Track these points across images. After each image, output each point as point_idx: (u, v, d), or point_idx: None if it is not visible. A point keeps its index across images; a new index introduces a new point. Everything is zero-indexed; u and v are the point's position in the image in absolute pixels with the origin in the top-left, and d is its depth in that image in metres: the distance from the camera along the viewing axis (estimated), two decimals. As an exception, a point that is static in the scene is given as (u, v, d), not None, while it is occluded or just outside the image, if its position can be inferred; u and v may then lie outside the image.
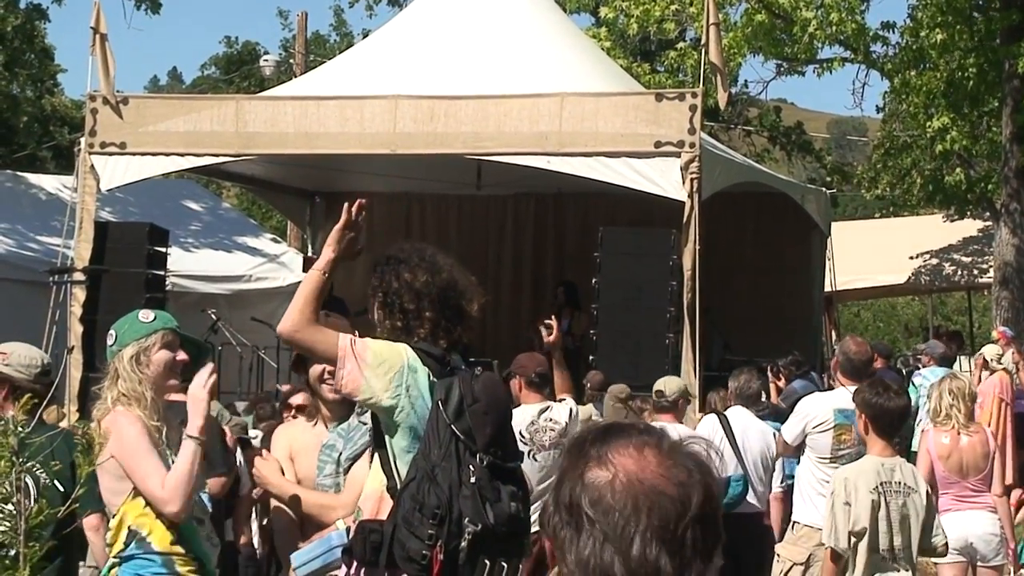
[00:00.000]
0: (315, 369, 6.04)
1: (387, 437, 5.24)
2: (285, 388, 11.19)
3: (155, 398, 5.86)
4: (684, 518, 2.23)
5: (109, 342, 6.00)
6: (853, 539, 7.33)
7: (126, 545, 5.70)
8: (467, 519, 4.92)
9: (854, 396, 7.87)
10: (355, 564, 5.19)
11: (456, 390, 5.10)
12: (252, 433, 11.43)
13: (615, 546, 2.23)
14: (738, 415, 10.78)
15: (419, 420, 5.17)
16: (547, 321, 8.54)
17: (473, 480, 4.96)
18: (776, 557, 9.39)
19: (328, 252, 5.46)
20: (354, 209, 5.47)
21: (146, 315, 6.10)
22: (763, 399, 11.74)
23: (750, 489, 10.52)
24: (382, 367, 5.18)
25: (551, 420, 9.30)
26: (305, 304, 5.29)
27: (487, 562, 4.93)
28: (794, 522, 9.39)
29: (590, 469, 2.30)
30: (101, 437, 5.52)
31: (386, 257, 5.57)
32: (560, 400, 9.41)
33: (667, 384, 10.70)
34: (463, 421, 5.04)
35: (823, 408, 9.22)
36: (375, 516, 5.24)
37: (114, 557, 5.73)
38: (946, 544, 7.64)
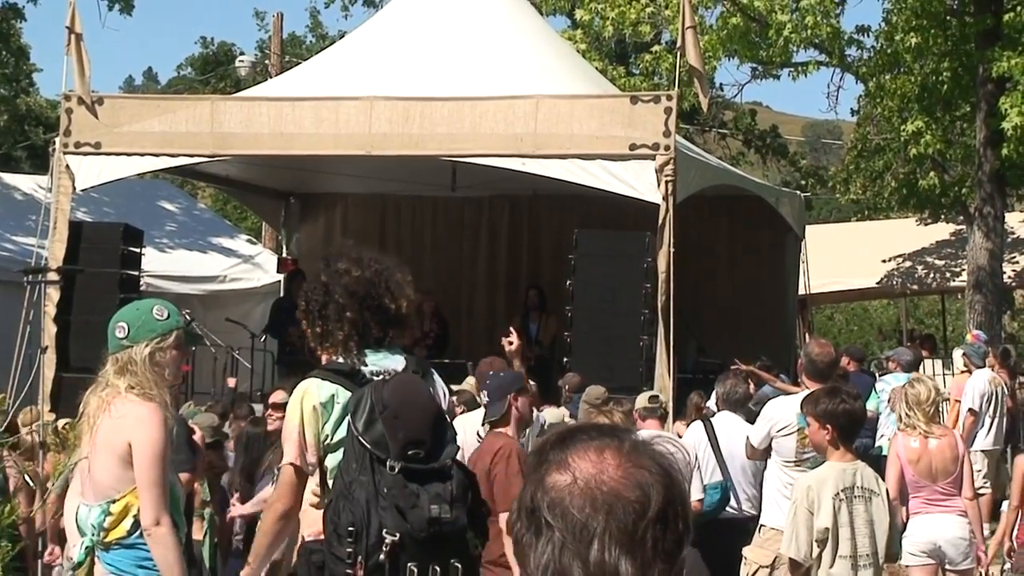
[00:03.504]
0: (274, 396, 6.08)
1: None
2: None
3: (167, 400, 5.83)
4: (643, 519, 2.21)
5: (119, 334, 5.79)
6: (817, 547, 7.32)
7: (129, 533, 5.73)
8: (385, 530, 4.89)
9: (803, 404, 7.86)
10: None
11: (366, 400, 5.07)
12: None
13: (573, 550, 2.20)
14: (725, 421, 10.76)
15: (341, 439, 5.24)
16: (509, 335, 8.42)
17: (386, 490, 4.93)
18: (743, 560, 9.41)
19: None
20: None
21: (160, 311, 5.92)
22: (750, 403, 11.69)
23: (736, 495, 10.52)
24: (314, 438, 5.27)
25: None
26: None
27: (414, 569, 4.89)
28: (761, 525, 9.40)
29: (550, 473, 2.27)
30: (116, 421, 5.44)
31: (320, 262, 5.62)
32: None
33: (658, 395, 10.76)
34: (374, 431, 5.00)
35: (787, 412, 9.19)
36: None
37: (114, 542, 5.74)
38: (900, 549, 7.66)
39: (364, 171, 18.65)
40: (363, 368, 5.30)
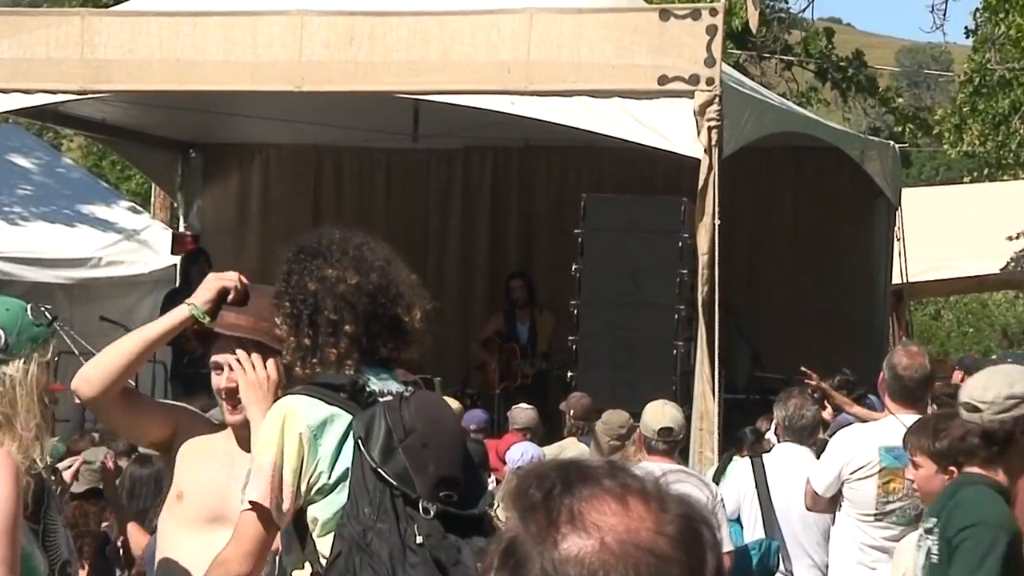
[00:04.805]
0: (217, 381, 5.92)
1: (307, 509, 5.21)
2: None
3: (41, 440, 5.77)
4: None
5: None
6: None
7: None
8: None
9: (910, 435, 7.71)
10: None
11: (381, 422, 5.02)
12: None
13: None
14: (787, 457, 10.66)
15: (340, 477, 5.13)
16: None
17: (420, 541, 4.88)
18: None
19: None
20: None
21: (36, 312, 5.83)
22: (820, 432, 11.61)
23: (790, 559, 10.46)
24: (293, 477, 5.15)
25: None
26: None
27: None
28: None
29: (564, 537, 2.23)
30: None
31: (296, 250, 5.48)
32: None
33: (674, 419, 10.56)
34: (395, 462, 4.96)
35: (865, 446, 9.03)
36: None
37: None
38: None
39: (293, 113, 18.64)
40: (368, 386, 5.22)
